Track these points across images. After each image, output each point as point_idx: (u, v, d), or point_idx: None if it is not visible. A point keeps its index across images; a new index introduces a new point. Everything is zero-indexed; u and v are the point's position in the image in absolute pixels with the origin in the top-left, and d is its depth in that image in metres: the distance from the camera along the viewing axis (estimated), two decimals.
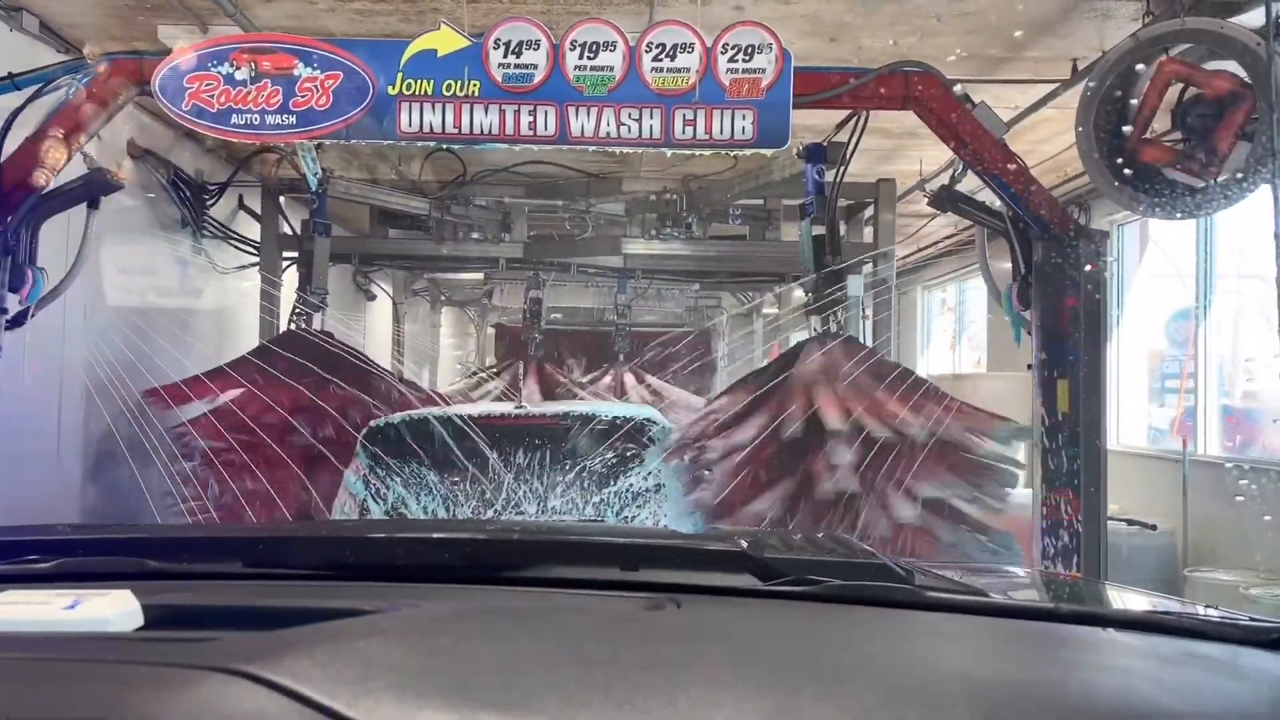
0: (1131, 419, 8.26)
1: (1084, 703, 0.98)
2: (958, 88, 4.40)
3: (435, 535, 1.61)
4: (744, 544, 1.45)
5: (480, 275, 10.13)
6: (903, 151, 7.50)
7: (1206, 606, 1.50)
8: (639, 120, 4.12)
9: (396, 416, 5.13)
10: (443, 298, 12.41)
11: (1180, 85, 4.31)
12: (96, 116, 4.12)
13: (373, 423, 5.01)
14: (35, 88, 4.13)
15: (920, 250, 11.41)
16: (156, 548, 1.48)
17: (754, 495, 4.71)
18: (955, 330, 12.10)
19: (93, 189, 4.28)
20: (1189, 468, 6.87)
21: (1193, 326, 7.61)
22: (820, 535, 1.66)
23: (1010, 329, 4.70)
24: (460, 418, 4.96)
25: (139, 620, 1.04)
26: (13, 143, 4.15)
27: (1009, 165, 4.31)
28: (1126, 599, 1.72)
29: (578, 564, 1.40)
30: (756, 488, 4.76)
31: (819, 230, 5.26)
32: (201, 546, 1.53)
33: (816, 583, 1.29)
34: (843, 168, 5.12)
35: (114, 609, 1.03)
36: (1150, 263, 8.39)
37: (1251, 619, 1.27)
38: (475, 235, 7.45)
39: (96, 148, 4.67)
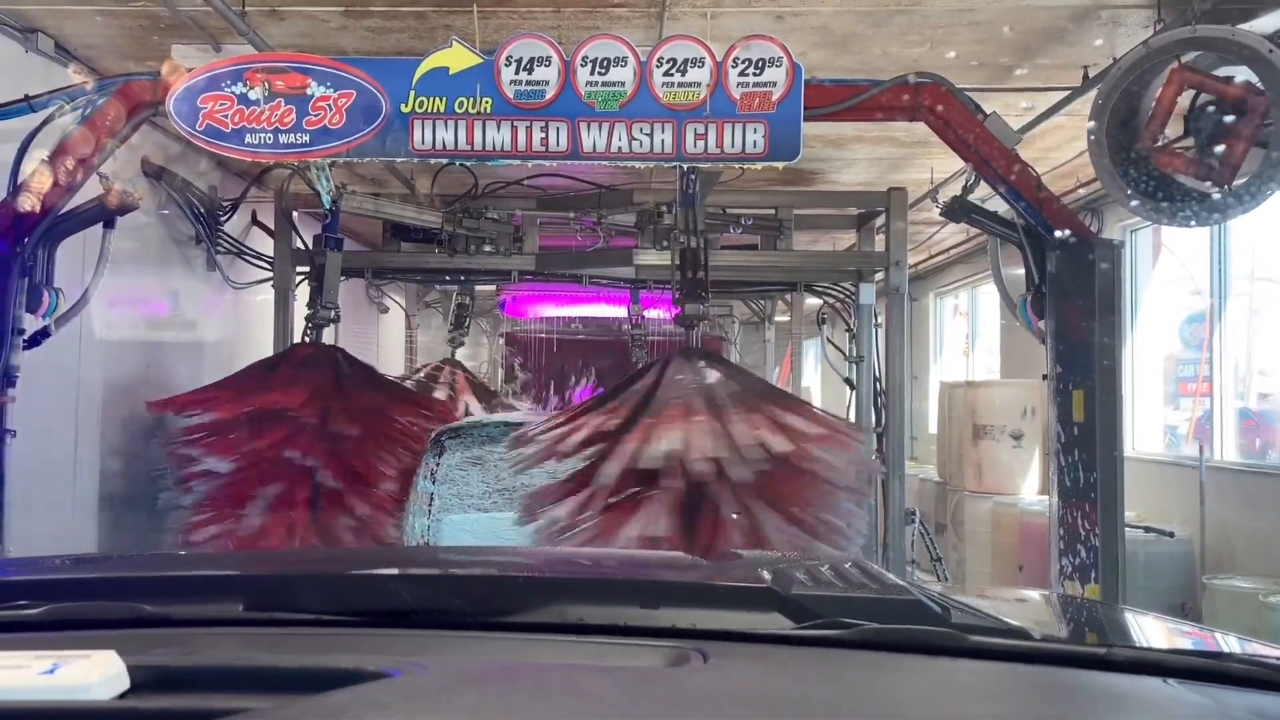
0: (1147, 424, 8.22)
1: None
2: (968, 97, 4.40)
3: (444, 573, 1.56)
4: (768, 577, 1.41)
5: (493, 286, 10.14)
6: (913, 160, 7.49)
7: (1263, 643, 1.44)
8: (650, 135, 4.13)
9: (461, 422, 5.99)
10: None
11: (1192, 92, 4.30)
12: (111, 137, 4.15)
13: (441, 426, 5.77)
14: (51, 110, 4.16)
15: (931, 257, 11.39)
16: (152, 588, 1.44)
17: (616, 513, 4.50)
18: (969, 336, 12.05)
19: (108, 209, 4.30)
20: (1205, 474, 6.84)
21: (1207, 330, 7.58)
22: (847, 565, 1.58)
23: (1026, 330, 4.69)
24: (510, 423, 5.70)
25: (124, 684, 0.98)
26: (29, 165, 4.18)
27: (1021, 175, 4.29)
28: (1174, 636, 1.66)
29: (595, 603, 1.35)
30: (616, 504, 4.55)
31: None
32: (200, 586, 1.49)
33: (851, 625, 1.23)
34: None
35: (97, 673, 0.95)
36: (1163, 267, 8.37)
37: None
38: (487, 248, 7.45)
39: (112, 166, 4.70)
